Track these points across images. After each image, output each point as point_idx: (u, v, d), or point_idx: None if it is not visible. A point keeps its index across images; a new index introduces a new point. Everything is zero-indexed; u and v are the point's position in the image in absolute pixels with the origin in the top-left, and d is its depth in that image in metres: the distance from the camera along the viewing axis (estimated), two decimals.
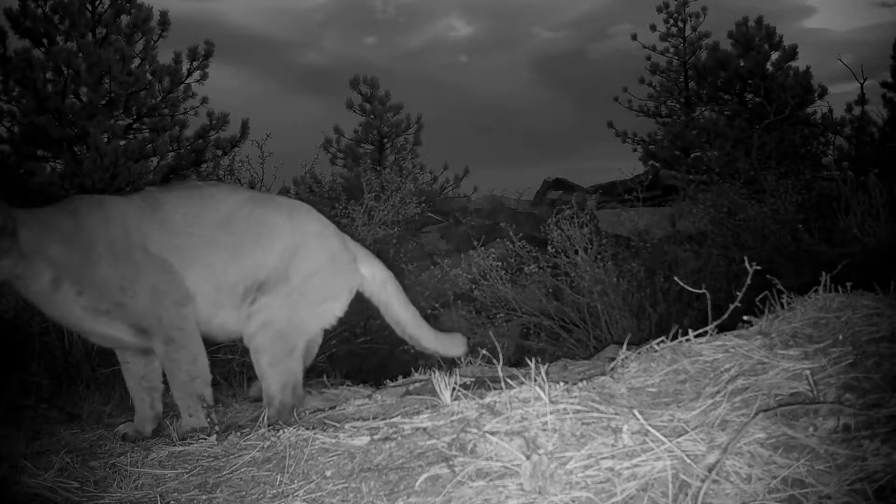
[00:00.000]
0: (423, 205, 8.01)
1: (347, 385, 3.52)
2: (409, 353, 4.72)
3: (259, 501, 1.74)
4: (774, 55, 12.26)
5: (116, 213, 2.61)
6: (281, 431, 2.07)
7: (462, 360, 3.27)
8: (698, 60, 13.25)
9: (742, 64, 12.28)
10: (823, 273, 2.05)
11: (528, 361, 1.88)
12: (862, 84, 10.55)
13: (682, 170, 11.73)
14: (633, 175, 10.10)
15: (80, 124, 9.09)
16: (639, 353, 2.00)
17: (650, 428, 1.47)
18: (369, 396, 2.81)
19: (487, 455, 1.54)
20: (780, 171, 6.99)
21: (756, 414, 1.51)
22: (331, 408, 2.73)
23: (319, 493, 1.66)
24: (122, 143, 9.30)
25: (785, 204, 5.86)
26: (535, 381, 1.71)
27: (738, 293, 1.95)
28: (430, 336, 3.09)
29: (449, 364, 3.28)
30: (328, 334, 3.61)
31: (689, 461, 1.38)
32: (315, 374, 4.00)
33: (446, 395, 1.90)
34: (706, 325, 1.96)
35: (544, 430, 1.56)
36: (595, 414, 1.60)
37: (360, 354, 5.13)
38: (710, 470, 1.35)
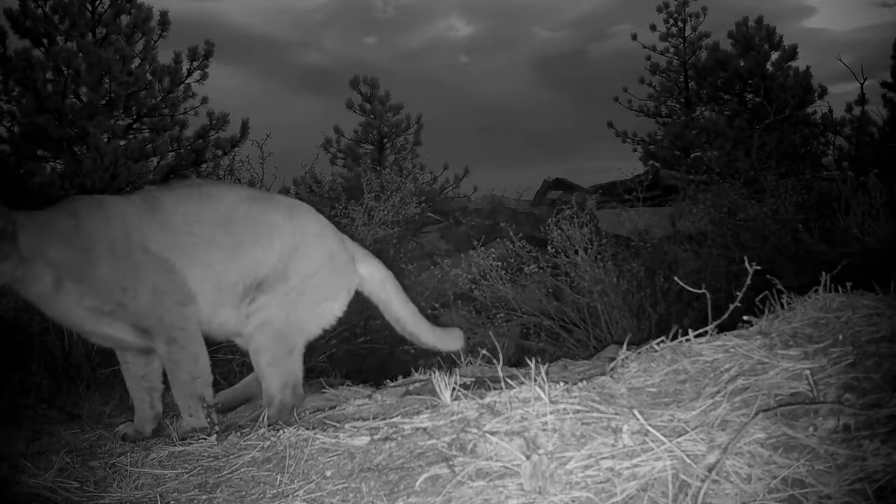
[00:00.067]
0: (423, 205, 8.02)
1: (347, 385, 3.51)
2: (409, 353, 4.72)
3: (259, 501, 1.74)
4: (774, 55, 12.27)
5: (116, 213, 2.61)
6: (281, 431, 2.07)
7: (462, 360, 3.27)
8: (698, 60, 13.26)
9: (742, 64, 12.28)
10: (823, 273, 2.05)
11: (528, 361, 1.88)
12: (862, 84, 10.57)
13: (682, 170, 11.74)
14: (633, 175, 10.12)
15: (80, 124, 9.10)
16: (639, 353, 2.00)
17: (650, 428, 1.47)
18: (369, 396, 2.81)
19: (487, 455, 1.54)
20: (780, 171, 6.99)
21: (756, 414, 1.51)
22: (331, 408, 2.73)
23: (319, 493, 1.66)
24: (122, 143, 9.31)
25: (785, 204, 5.87)
26: (535, 381, 1.71)
27: (738, 293, 1.95)
28: (428, 332, 3.11)
29: (449, 364, 3.28)
30: (328, 334, 3.61)
31: (689, 461, 1.38)
32: (315, 374, 4.01)
33: (446, 395, 1.90)
34: (706, 325, 1.96)
35: (544, 430, 1.56)
36: (595, 414, 1.60)
37: (360, 354, 5.13)
38: (710, 470, 1.35)
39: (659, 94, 13.99)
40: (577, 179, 14.89)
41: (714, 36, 13.54)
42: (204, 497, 1.83)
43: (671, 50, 13.93)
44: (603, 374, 1.99)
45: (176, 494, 1.88)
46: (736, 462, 1.38)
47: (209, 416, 2.49)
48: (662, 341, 1.98)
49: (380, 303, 3.08)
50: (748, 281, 1.97)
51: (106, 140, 9.00)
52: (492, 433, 1.58)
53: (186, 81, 9.94)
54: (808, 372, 1.62)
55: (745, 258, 1.98)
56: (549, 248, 5.25)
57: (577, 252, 4.99)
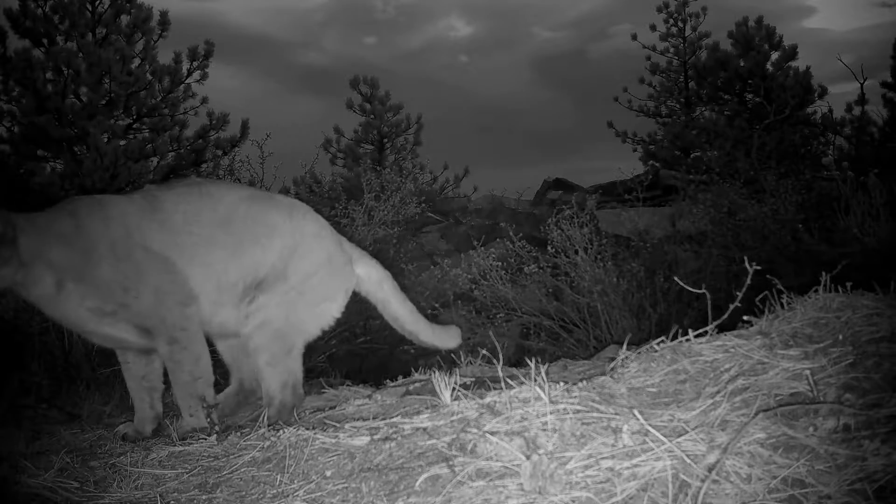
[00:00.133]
0: (423, 205, 8.02)
1: (347, 385, 3.51)
2: (409, 353, 4.72)
3: (259, 501, 1.74)
4: (774, 55, 12.28)
5: (117, 213, 2.60)
6: (281, 431, 2.07)
7: (462, 360, 3.27)
8: (698, 60, 13.27)
9: (742, 64, 12.28)
10: (823, 273, 2.05)
11: (528, 361, 1.88)
12: (862, 84, 10.57)
13: (682, 170, 11.74)
14: (633, 175, 10.13)
15: (80, 124, 9.10)
16: (639, 353, 2.00)
17: (650, 428, 1.47)
18: (369, 396, 2.81)
19: (487, 455, 1.54)
20: (780, 171, 7.00)
21: (756, 414, 1.51)
22: (331, 408, 2.73)
23: (319, 493, 1.66)
24: (122, 143, 9.31)
25: (785, 204, 5.87)
26: (535, 381, 1.71)
27: (738, 293, 1.95)
28: (427, 330, 3.13)
29: (449, 364, 3.28)
30: (328, 334, 3.61)
31: (689, 461, 1.38)
32: (315, 374, 4.01)
33: (446, 395, 1.90)
34: (706, 325, 1.96)
35: (544, 430, 1.56)
36: (595, 414, 1.60)
37: (360, 354, 5.13)
38: (710, 470, 1.35)
39: (659, 94, 13.99)
40: (577, 179, 14.92)
41: (714, 36, 13.58)
42: (204, 497, 1.83)
43: (671, 50, 13.93)
44: (603, 374, 1.99)
45: (176, 494, 1.88)
46: (736, 462, 1.38)
47: (209, 416, 2.49)
48: (662, 341, 1.98)
49: (378, 302, 3.09)
50: (748, 281, 1.97)
51: (106, 140, 9.00)
52: (492, 433, 1.58)
53: (186, 81, 9.95)
54: (808, 372, 1.62)
55: (745, 258, 1.98)
56: (549, 248, 5.25)
57: (577, 252, 5.00)
